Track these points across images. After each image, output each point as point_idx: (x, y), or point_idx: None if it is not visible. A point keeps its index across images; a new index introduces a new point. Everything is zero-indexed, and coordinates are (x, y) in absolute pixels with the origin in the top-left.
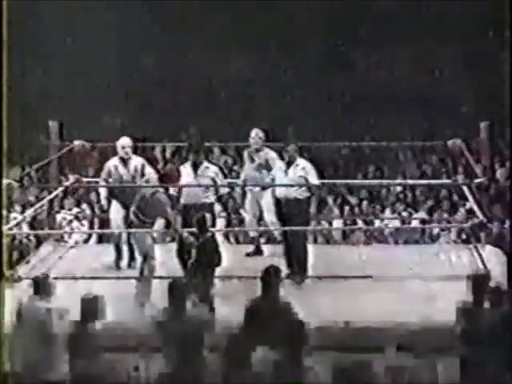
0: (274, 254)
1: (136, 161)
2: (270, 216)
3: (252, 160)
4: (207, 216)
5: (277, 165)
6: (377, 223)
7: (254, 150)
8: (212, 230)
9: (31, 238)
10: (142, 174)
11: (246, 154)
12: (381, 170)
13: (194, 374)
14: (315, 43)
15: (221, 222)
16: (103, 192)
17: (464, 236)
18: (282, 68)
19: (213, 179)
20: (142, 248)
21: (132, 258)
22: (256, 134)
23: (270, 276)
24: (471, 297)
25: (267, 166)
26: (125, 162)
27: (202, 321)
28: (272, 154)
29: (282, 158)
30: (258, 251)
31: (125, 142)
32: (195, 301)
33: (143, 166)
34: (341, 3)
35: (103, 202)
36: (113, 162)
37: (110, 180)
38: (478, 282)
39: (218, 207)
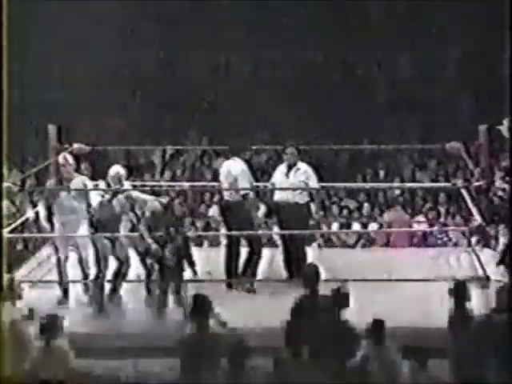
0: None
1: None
2: None
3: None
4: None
5: (279, 169)
6: (375, 226)
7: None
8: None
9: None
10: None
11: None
12: (378, 173)
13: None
14: (315, 44)
15: None
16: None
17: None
18: (283, 69)
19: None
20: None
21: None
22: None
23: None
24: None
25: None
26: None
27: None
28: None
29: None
30: None
31: (115, 171)
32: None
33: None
34: (341, 4)
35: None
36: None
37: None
38: (459, 287)
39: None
